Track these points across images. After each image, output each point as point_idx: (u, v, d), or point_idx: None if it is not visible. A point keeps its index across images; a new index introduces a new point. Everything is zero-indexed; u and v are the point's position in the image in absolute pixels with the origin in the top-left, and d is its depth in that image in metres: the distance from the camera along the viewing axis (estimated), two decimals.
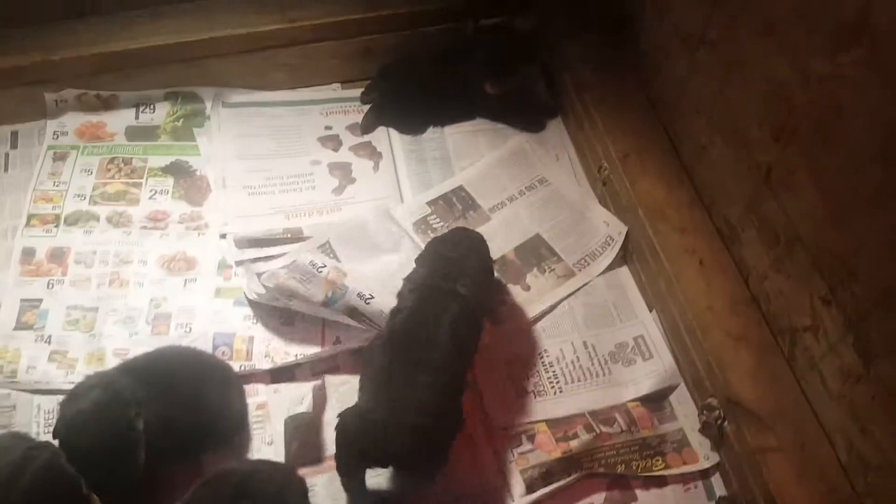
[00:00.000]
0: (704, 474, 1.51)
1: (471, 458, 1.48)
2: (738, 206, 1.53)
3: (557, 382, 1.59)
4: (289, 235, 1.78)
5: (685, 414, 1.57)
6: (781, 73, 1.32)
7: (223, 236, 1.77)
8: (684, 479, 1.50)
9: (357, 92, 2.08)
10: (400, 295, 1.49)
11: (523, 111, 2.02)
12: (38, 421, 1.50)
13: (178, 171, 1.89)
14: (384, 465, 1.38)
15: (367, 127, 2.02)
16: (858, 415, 1.27)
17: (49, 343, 1.59)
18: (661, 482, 1.50)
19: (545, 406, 1.56)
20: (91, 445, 1.26)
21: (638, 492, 1.49)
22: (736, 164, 1.52)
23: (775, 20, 1.32)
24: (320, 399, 1.54)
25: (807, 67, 1.25)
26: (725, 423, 1.45)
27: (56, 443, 1.29)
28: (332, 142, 2.00)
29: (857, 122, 1.16)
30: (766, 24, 1.33)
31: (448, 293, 1.44)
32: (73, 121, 1.94)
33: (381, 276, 1.70)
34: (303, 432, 1.49)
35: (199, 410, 1.40)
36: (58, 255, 1.71)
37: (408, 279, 1.51)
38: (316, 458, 1.48)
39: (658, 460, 1.52)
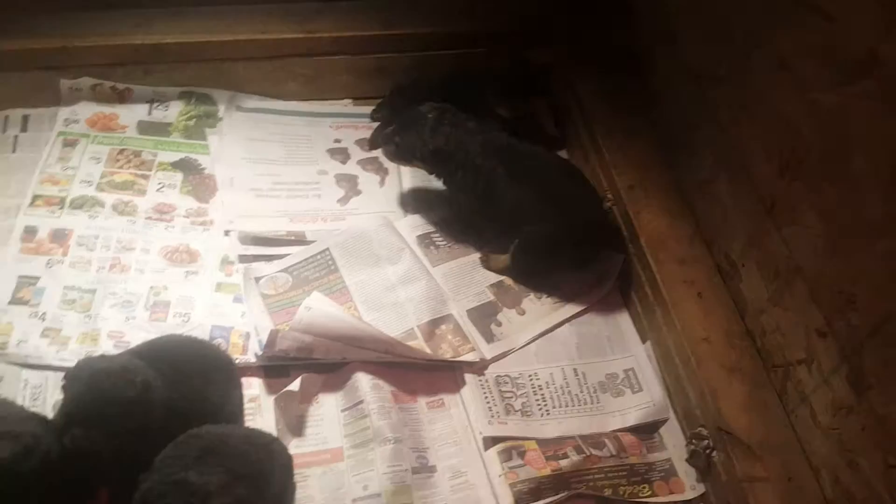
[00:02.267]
0: None
1: None
2: (739, 240, 1.56)
3: (545, 405, 1.60)
4: (292, 238, 1.80)
5: (674, 444, 1.57)
6: (790, 108, 1.36)
7: (227, 233, 1.79)
8: None
9: (368, 109, 2.12)
10: None
11: (532, 139, 2.05)
12: (25, 394, 1.48)
13: (188, 167, 1.91)
14: None
15: (375, 143, 2.04)
16: (847, 448, 1.29)
17: (43, 320, 1.58)
18: None
19: (531, 426, 1.56)
20: (108, 392, 1.23)
21: None
22: (740, 198, 1.55)
23: (787, 55, 1.36)
24: (309, 385, 1.54)
25: (816, 100, 1.29)
26: (714, 452, 1.45)
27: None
28: (341, 154, 2.02)
29: (863, 152, 1.20)
30: (780, 59, 1.38)
31: None
32: (86, 110, 1.96)
33: (377, 289, 1.72)
34: (292, 410, 1.51)
35: (203, 401, 1.38)
36: (59, 236, 1.71)
37: None
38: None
39: (645, 487, 1.51)
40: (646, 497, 1.50)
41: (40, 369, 1.50)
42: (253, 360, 1.58)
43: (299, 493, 1.41)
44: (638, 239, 1.71)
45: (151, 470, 1.20)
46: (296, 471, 1.38)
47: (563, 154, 2.06)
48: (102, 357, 1.31)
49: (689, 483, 1.53)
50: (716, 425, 1.45)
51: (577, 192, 1.77)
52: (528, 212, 1.71)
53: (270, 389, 1.55)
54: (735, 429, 1.43)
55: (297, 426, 1.52)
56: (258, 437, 1.35)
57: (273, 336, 1.55)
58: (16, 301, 1.60)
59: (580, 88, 2.02)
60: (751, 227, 1.51)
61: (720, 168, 1.62)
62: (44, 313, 1.59)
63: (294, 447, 1.47)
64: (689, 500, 1.51)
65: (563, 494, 1.46)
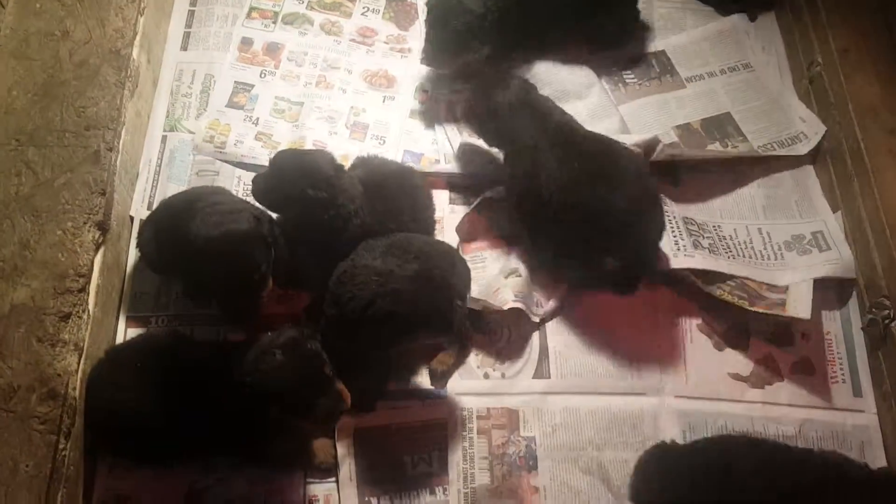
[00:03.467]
0: None
1: None
2: None
3: (730, 252, 1.60)
4: None
5: None
6: None
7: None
8: None
9: None
10: None
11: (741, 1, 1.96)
12: (238, 190, 1.62)
13: None
14: None
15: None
16: None
17: (256, 125, 1.70)
18: None
19: (719, 262, 1.56)
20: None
21: None
22: None
23: None
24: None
25: None
26: (894, 322, 1.43)
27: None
28: None
29: None
30: None
31: None
32: None
33: None
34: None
35: (399, 214, 1.48)
36: (273, 49, 1.81)
37: None
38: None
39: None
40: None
41: (254, 169, 1.62)
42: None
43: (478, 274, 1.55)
44: (846, 105, 1.64)
45: (347, 259, 1.35)
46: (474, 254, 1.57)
47: (769, 16, 1.96)
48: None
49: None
50: None
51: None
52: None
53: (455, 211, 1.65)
54: None
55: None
56: (439, 243, 1.47)
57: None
58: (232, 105, 1.73)
59: None
60: None
61: None
62: (257, 118, 1.71)
63: None
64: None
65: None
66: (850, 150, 1.61)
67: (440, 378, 1.47)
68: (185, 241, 1.29)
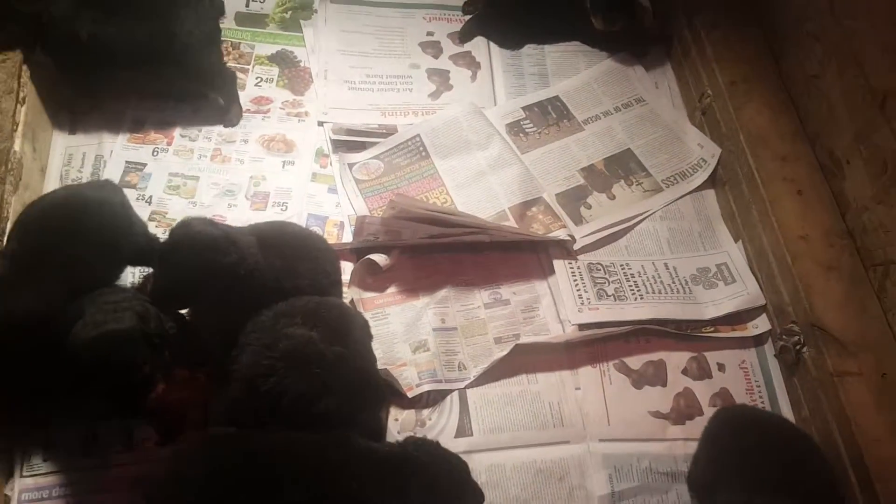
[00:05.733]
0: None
1: None
2: (845, 137, 1.50)
3: (638, 291, 1.60)
4: (384, 131, 1.82)
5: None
6: None
7: (321, 124, 1.83)
8: None
9: (461, 1, 2.09)
10: None
11: (628, 42, 2.00)
12: (134, 272, 1.56)
13: (283, 60, 1.94)
14: None
15: (465, 35, 2.03)
16: None
17: (150, 203, 1.66)
18: None
19: (626, 310, 1.58)
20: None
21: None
22: (849, 93, 1.49)
23: None
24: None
25: None
26: (805, 348, 1.44)
27: None
28: (433, 48, 2.02)
29: None
30: None
31: None
32: None
33: (468, 174, 1.75)
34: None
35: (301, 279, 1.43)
36: (164, 126, 1.78)
37: None
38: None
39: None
40: (708, 332, 1.56)
41: None
42: (346, 245, 1.63)
43: (381, 330, 1.53)
44: (738, 135, 1.67)
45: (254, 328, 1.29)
46: (376, 311, 1.56)
47: (658, 52, 2.01)
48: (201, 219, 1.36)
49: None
50: (808, 321, 1.43)
51: None
52: None
53: None
54: (828, 325, 1.41)
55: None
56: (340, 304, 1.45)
57: (361, 220, 1.60)
58: (124, 184, 1.67)
59: None
60: (859, 122, 1.46)
61: (830, 61, 1.55)
62: (150, 196, 1.67)
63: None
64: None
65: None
66: (746, 178, 1.64)
67: None
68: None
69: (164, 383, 1.37)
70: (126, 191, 1.63)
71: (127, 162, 1.71)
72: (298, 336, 1.27)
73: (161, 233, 1.59)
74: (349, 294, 1.57)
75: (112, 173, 1.69)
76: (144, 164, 1.71)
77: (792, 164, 1.61)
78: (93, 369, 1.20)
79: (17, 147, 1.53)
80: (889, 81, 1.36)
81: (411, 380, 1.48)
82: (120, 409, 1.31)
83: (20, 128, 1.56)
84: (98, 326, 1.20)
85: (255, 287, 1.33)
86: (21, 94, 1.59)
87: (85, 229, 1.36)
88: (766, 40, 1.79)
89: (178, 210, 1.65)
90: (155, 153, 1.73)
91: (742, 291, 1.60)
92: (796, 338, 1.46)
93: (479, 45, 2.02)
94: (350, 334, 1.35)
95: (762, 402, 1.52)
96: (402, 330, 1.55)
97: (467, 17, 2.07)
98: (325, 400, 1.24)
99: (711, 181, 1.76)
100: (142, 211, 1.62)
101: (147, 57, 1.66)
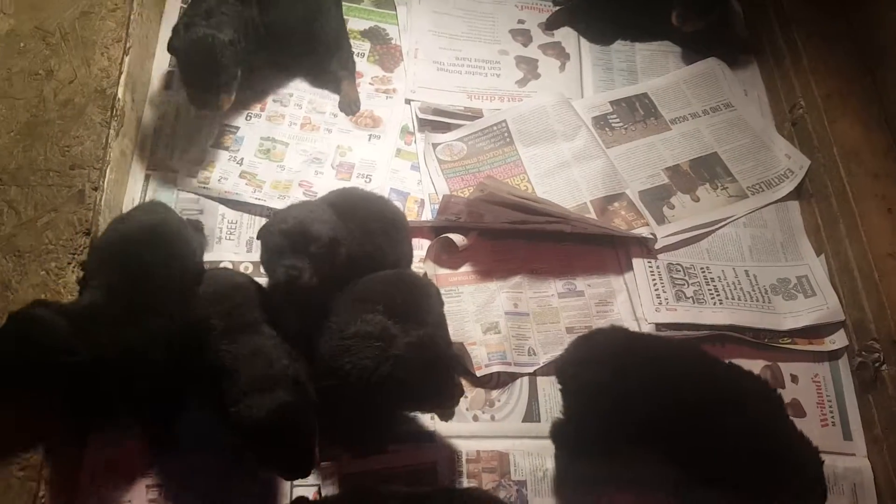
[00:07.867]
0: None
1: None
2: None
3: (717, 295, 1.60)
4: (469, 114, 1.83)
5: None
6: None
7: (408, 102, 1.84)
8: None
9: None
10: None
11: (719, 47, 1.99)
12: (222, 227, 1.61)
13: (375, 36, 1.95)
14: None
15: (552, 24, 2.02)
16: None
17: (241, 164, 1.69)
18: None
19: (703, 313, 1.58)
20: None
21: None
22: None
23: None
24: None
25: None
26: (884, 366, 1.43)
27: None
28: (523, 36, 2.02)
29: None
30: None
31: None
32: None
33: (551, 164, 1.75)
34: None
35: (382, 253, 1.46)
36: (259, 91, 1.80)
37: None
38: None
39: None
40: (786, 344, 1.56)
41: (237, 207, 1.63)
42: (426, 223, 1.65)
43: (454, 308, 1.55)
44: (830, 148, 1.66)
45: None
46: (450, 288, 1.58)
47: (749, 59, 1.99)
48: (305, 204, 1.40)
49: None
50: (891, 339, 1.42)
51: None
52: None
53: None
54: None
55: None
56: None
57: (447, 199, 1.61)
58: (217, 145, 1.71)
59: None
60: None
61: None
62: (241, 159, 1.70)
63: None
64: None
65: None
66: (836, 192, 1.63)
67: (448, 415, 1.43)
68: None
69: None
70: (218, 152, 1.69)
71: (221, 124, 1.74)
72: (374, 322, 1.29)
73: (251, 191, 1.62)
74: (424, 268, 1.59)
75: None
76: (238, 128, 1.74)
77: (884, 181, 1.60)
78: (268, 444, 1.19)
79: (120, 94, 1.57)
80: None
81: (481, 359, 1.50)
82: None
83: (123, 77, 1.60)
84: (267, 405, 1.18)
85: (343, 258, 1.37)
86: (127, 45, 1.63)
87: (171, 258, 1.34)
88: (861, 54, 1.77)
89: (267, 172, 1.68)
90: (248, 118, 1.76)
91: (822, 305, 1.59)
92: (876, 354, 1.45)
93: (569, 37, 2.02)
94: (426, 309, 1.36)
95: (832, 417, 1.51)
96: (474, 310, 1.57)
97: (557, 7, 2.06)
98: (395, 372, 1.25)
99: (797, 192, 1.75)
100: (232, 170, 1.67)
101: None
